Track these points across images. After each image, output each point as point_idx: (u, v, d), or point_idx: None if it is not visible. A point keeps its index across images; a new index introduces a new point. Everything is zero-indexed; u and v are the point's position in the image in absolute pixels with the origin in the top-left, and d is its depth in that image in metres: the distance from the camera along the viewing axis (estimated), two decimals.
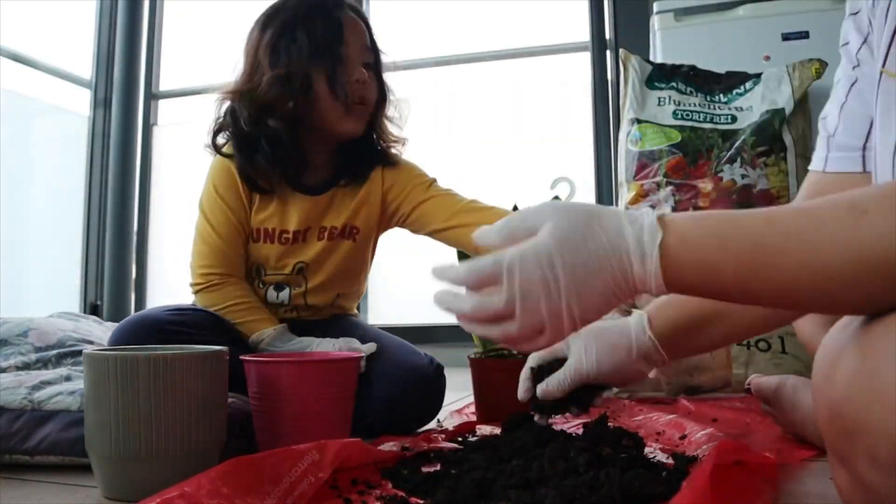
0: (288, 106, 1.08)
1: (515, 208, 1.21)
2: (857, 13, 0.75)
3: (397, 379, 1.03)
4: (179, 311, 1.06)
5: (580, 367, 0.75)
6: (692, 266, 0.50)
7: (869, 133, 0.75)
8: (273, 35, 1.10)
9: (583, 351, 0.75)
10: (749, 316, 0.75)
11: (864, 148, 0.76)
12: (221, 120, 1.16)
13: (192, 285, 1.17)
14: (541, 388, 0.77)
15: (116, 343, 0.97)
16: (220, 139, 1.18)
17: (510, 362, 1.06)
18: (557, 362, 0.80)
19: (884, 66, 0.63)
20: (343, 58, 1.09)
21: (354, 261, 1.25)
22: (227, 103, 1.16)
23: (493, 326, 0.55)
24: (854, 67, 0.75)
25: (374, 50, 1.17)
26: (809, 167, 0.84)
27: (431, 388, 1.08)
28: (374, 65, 1.17)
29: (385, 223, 1.27)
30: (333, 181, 1.20)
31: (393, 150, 1.26)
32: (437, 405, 1.11)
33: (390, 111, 1.24)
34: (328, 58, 1.08)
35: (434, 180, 1.27)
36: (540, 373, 0.81)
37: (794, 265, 0.47)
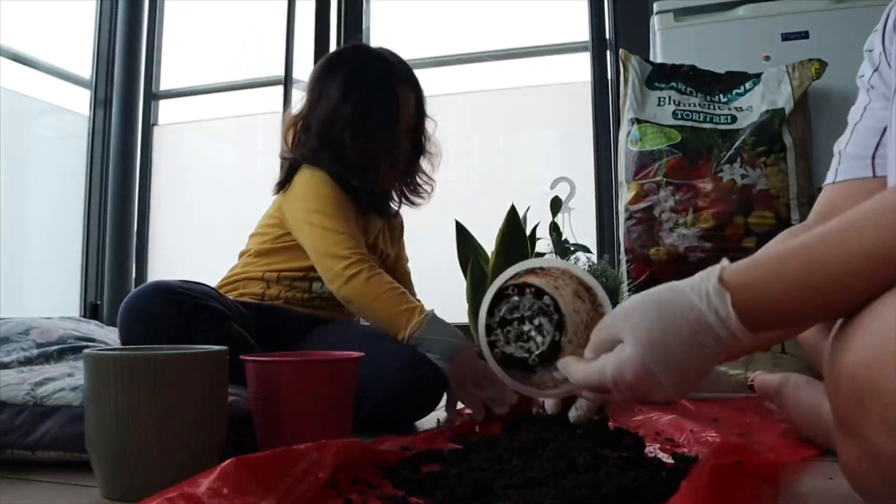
0: (360, 170, 1.27)
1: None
2: (872, 50, 0.81)
3: (396, 367, 1.07)
4: (188, 281, 1.10)
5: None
6: (763, 304, 0.54)
7: (879, 142, 0.78)
8: (354, 110, 1.26)
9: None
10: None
11: (874, 157, 0.79)
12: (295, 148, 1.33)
13: (340, 275, 1.15)
14: (573, 415, 0.74)
15: (130, 308, 0.99)
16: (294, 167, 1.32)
17: None
18: None
19: None
20: (400, 134, 1.31)
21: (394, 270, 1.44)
22: (294, 136, 1.33)
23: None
24: (867, 91, 0.81)
25: (419, 111, 1.35)
26: (823, 184, 0.88)
27: (429, 377, 1.10)
28: (418, 122, 1.36)
29: None
30: (380, 208, 1.38)
31: (417, 198, 1.45)
32: (437, 396, 1.13)
33: (424, 165, 1.43)
34: (394, 136, 1.29)
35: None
36: None
37: (841, 260, 0.50)
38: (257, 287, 1.30)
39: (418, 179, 1.43)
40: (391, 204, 1.43)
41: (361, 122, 1.25)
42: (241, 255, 1.39)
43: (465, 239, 1.18)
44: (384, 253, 1.38)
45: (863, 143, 0.80)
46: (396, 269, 1.46)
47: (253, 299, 1.27)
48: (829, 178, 0.86)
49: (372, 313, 1.14)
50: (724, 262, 0.57)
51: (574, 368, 0.65)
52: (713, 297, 0.54)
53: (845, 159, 0.82)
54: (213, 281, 1.31)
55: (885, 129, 0.77)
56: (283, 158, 1.34)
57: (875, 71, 0.79)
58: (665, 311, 0.55)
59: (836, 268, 0.50)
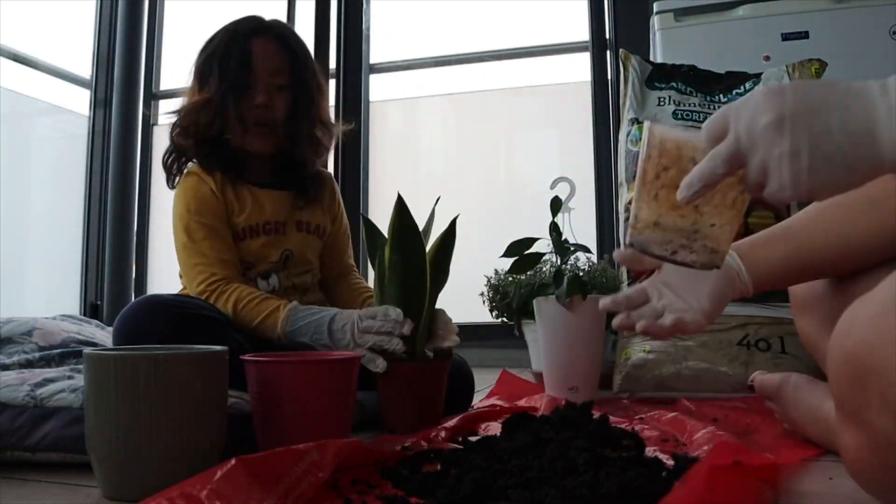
0: (203, 127, 1.20)
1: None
2: None
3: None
4: (181, 295, 1.12)
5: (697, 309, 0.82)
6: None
7: None
8: (202, 61, 1.23)
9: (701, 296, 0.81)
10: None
11: None
12: (175, 137, 1.25)
13: (198, 292, 1.15)
14: (640, 324, 0.83)
15: (123, 323, 0.98)
16: (172, 162, 1.27)
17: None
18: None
19: None
20: (248, 84, 1.20)
21: (329, 256, 1.36)
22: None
23: (732, 170, 0.55)
24: None
25: (296, 71, 1.24)
26: None
27: (468, 380, 1.23)
28: (294, 85, 1.24)
29: None
30: (288, 182, 1.28)
31: (318, 166, 1.34)
32: (471, 397, 1.24)
33: (319, 132, 1.29)
34: (235, 85, 1.19)
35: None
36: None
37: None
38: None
39: (313, 134, 1.28)
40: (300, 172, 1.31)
41: (206, 76, 1.21)
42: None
43: (372, 233, 1.11)
44: (306, 224, 1.29)
45: None
46: (337, 239, 1.37)
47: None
48: None
49: (243, 326, 1.11)
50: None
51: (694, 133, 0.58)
52: (893, 94, 0.47)
53: None
54: None
55: None
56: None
57: None
58: (832, 94, 0.49)
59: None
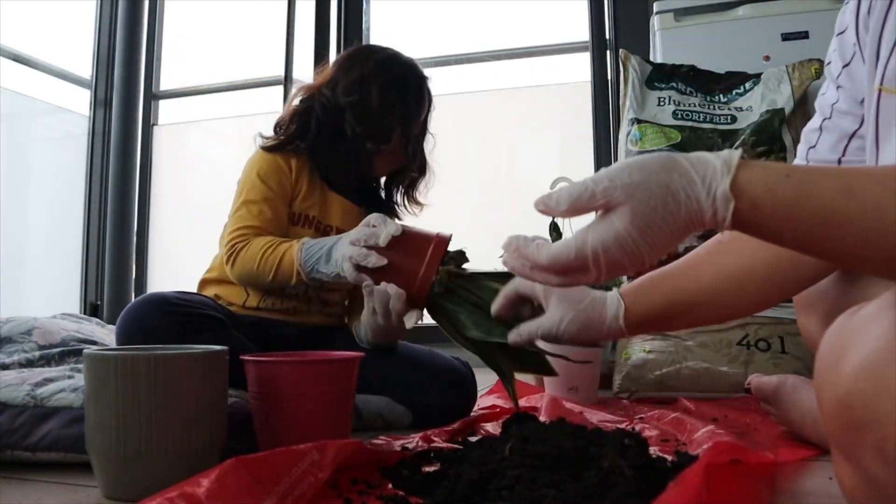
0: (363, 131, 1.24)
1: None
2: (843, 32, 0.80)
3: (446, 385, 1.18)
4: (184, 292, 1.11)
5: (552, 329, 0.79)
6: (760, 230, 0.54)
7: (846, 148, 0.80)
8: (387, 82, 1.26)
9: (559, 319, 0.78)
10: (724, 309, 0.79)
11: (840, 162, 0.80)
12: (299, 108, 1.28)
13: (226, 265, 1.15)
14: (512, 335, 0.80)
15: (126, 321, 0.98)
16: (276, 133, 1.29)
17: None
18: (527, 307, 0.84)
19: (882, 83, 0.64)
20: (417, 127, 1.31)
21: None
22: (307, 96, 1.29)
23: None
24: (837, 88, 0.81)
25: (426, 124, 1.37)
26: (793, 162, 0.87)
27: (472, 386, 1.22)
28: (422, 131, 1.36)
29: None
30: (361, 199, 1.33)
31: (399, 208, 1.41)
32: (474, 399, 1.23)
33: (424, 181, 1.42)
34: (413, 123, 1.29)
35: None
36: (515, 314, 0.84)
37: (860, 236, 0.50)
38: (236, 296, 1.22)
39: (407, 194, 1.40)
40: (381, 199, 1.40)
41: (394, 92, 1.25)
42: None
43: None
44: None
45: (831, 146, 0.82)
46: None
47: (235, 309, 1.20)
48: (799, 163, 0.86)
49: (265, 278, 1.10)
50: (741, 153, 0.55)
51: (535, 250, 0.64)
52: (720, 201, 0.54)
53: (813, 161, 0.83)
54: None
55: (851, 135, 0.79)
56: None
57: (845, 67, 0.79)
58: (669, 200, 0.55)
59: (851, 239, 0.50)
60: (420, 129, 1.34)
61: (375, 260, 0.95)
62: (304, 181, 1.24)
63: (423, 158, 1.39)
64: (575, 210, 0.59)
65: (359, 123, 1.23)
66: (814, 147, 0.83)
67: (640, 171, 0.56)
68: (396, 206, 1.39)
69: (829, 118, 0.82)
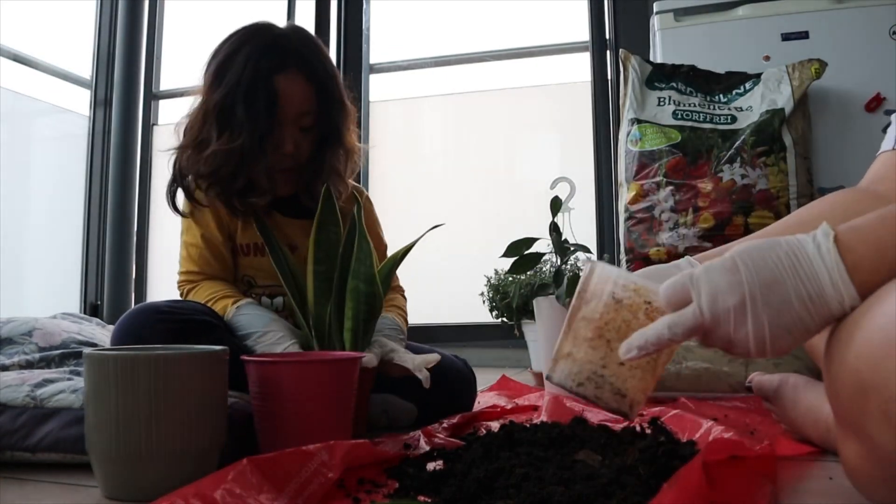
0: (227, 176, 1.11)
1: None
2: None
3: (448, 382, 1.15)
4: (176, 300, 1.10)
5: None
6: (865, 245, 0.51)
7: None
8: (221, 100, 1.10)
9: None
10: None
11: None
12: (178, 171, 1.16)
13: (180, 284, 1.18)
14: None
15: (120, 331, 0.98)
16: (179, 196, 1.18)
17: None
18: None
19: None
20: (275, 130, 1.11)
21: None
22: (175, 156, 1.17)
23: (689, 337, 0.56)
24: None
25: (322, 109, 1.15)
26: (879, 152, 0.86)
27: (472, 385, 1.23)
28: (320, 124, 1.16)
29: None
30: (307, 212, 1.19)
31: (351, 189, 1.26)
32: (475, 396, 1.24)
33: (341, 160, 1.22)
34: (262, 133, 1.09)
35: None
36: None
37: None
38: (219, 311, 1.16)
39: (334, 166, 1.20)
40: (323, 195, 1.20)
41: (228, 118, 1.09)
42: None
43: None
44: None
45: None
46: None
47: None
48: (888, 144, 0.84)
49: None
50: (827, 226, 0.53)
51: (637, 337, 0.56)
52: (818, 234, 0.51)
53: None
54: None
55: None
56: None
57: None
58: (772, 242, 0.53)
59: None
60: (294, 118, 1.13)
61: None
62: (240, 218, 1.16)
63: (335, 135, 1.19)
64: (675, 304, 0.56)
65: (231, 150, 1.08)
66: None
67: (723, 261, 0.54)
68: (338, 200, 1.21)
69: None
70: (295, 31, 1.18)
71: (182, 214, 1.19)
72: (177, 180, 1.16)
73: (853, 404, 0.48)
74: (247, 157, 1.08)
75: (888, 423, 0.45)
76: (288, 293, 1.10)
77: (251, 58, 1.10)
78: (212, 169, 1.10)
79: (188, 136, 1.14)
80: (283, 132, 1.12)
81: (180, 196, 1.19)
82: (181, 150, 1.15)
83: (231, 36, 1.17)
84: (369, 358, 1.00)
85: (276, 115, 1.10)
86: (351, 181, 1.28)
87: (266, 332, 1.03)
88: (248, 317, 1.06)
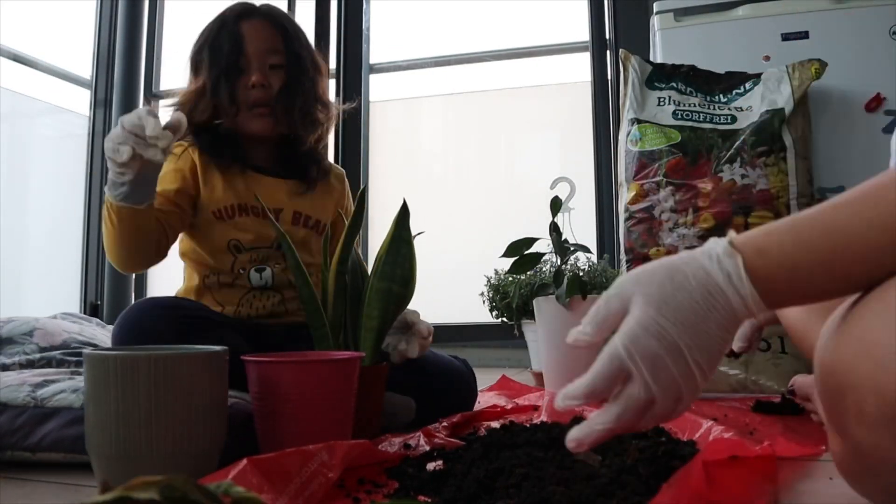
0: (199, 114, 1.19)
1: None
2: None
3: (448, 382, 1.18)
4: (178, 298, 1.12)
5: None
6: (778, 270, 0.51)
7: None
8: (193, 53, 1.23)
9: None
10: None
11: None
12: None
13: None
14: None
15: (122, 324, 0.98)
16: None
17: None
18: None
19: None
20: (241, 67, 1.20)
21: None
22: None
23: (640, 420, 0.54)
24: None
25: (289, 49, 1.22)
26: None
27: (472, 386, 1.24)
28: (289, 63, 1.22)
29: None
30: (289, 173, 1.26)
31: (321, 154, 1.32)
32: (475, 396, 1.25)
33: (315, 109, 1.25)
34: (226, 69, 1.19)
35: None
36: None
37: (864, 229, 0.49)
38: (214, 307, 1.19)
39: (308, 111, 1.24)
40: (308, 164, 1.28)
41: (198, 63, 1.21)
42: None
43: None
44: (305, 217, 1.26)
45: None
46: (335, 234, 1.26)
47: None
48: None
49: (112, 238, 1.06)
50: (731, 232, 0.55)
51: (572, 388, 0.54)
52: (724, 259, 0.52)
53: None
54: None
55: None
56: None
57: None
58: (675, 274, 0.53)
59: (852, 234, 0.49)
60: (259, 63, 1.19)
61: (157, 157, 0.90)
62: (214, 174, 1.20)
63: (306, 77, 1.24)
64: (600, 326, 0.55)
65: (205, 106, 1.18)
66: None
67: (644, 268, 0.55)
68: (315, 163, 1.29)
69: None
70: (267, 4, 1.28)
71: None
72: None
73: (833, 403, 0.51)
74: (212, 89, 1.17)
75: (863, 421, 0.46)
76: (291, 266, 1.07)
77: (219, 15, 1.23)
78: (185, 111, 1.16)
79: (176, 106, 1.21)
80: (248, 67, 1.19)
81: None
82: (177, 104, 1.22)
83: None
84: (413, 349, 1.08)
85: (242, 52, 1.19)
86: (334, 164, 1.35)
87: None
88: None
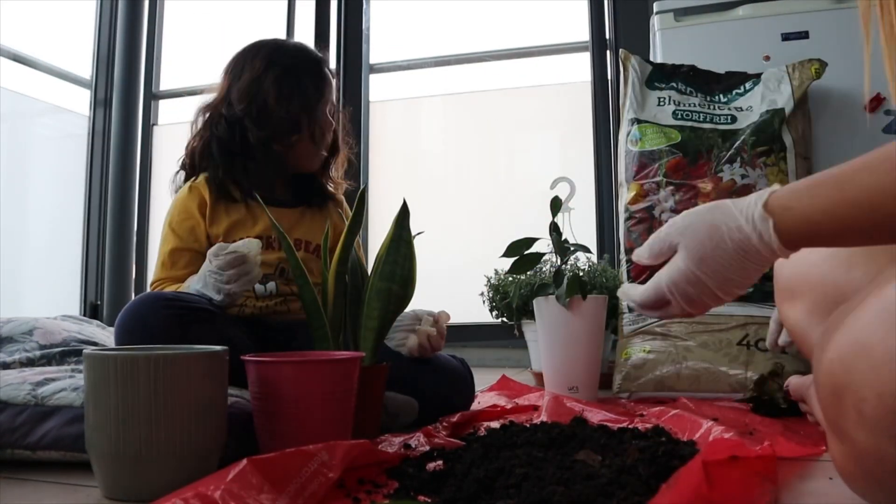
0: (267, 135, 1.26)
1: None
2: None
3: (447, 381, 1.19)
4: (180, 291, 1.13)
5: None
6: (801, 225, 0.60)
7: None
8: (279, 75, 1.26)
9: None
10: None
11: None
12: (202, 132, 1.30)
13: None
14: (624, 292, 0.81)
15: (125, 318, 0.99)
16: (183, 169, 1.32)
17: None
18: None
19: None
20: (324, 110, 1.31)
21: None
22: (206, 117, 1.31)
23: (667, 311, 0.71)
24: None
25: (337, 103, 1.37)
26: None
27: (470, 384, 1.25)
28: (330, 114, 1.34)
29: None
30: (296, 201, 1.34)
31: (337, 192, 1.43)
32: (472, 394, 1.27)
33: (340, 160, 1.41)
34: (317, 108, 1.28)
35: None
36: None
37: (878, 182, 0.54)
38: None
39: (331, 174, 1.40)
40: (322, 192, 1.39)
41: (287, 83, 1.26)
42: None
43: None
44: (305, 243, 1.33)
45: None
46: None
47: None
48: None
49: None
50: (776, 186, 0.62)
51: (633, 292, 0.74)
52: (758, 222, 0.61)
53: None
54: None
55: None
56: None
57: None
58: (714, 233, 0.64)
59: (866, 190, 0.54)
60: (329, 111, 1.32)
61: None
62: (221, 211, 1.25)
63: (336, 138, 1.38)
64: (655, 256, 0.70)
65: (260, 128, 1.24)
66: None
67: (690, 214, 0.67)
68: (322, 192, 1.39)
69: None
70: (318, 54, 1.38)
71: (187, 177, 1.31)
72: (185, 166, 1.32)
73: (831, 405, 0.51)
74: (295, 122, 1.25)
75: (862, 423, 0.47)
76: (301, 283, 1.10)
77: (301, 49, 1.32)
78: (266, 133, 1.24)
79: (241, 97, 1.25)
80: (325, 116, 1.30)
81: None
82: (227, 115, 1.27)
83: (262, 41, 1.33)
84: (413, 342, 1.12)
85: (325, 97, 1.29)
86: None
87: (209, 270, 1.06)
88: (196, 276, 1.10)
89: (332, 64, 2.71)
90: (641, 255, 0.73)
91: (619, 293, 0.78)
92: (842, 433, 0.50)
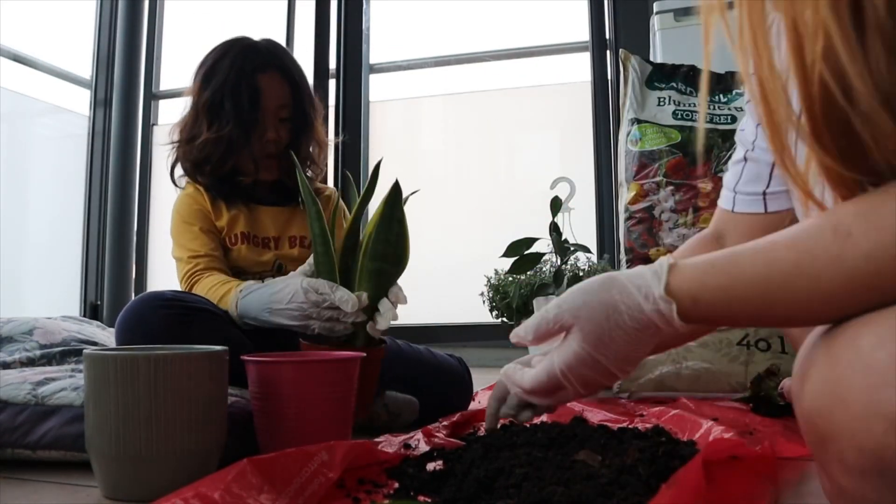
0: (217, 161, 1.27)
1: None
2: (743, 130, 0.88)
3: (446, 380, 1.20)
4: (180, 291, 1.14)
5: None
6: (707, 320, 0.58)
7: (769, 179, 0.85)
8: (210, 97, 1.27)
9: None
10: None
11: (765, 193, 0.85)
12: (173, 159, 1.33)
13: (183, 283, 1.23)
14: (525, 417, 0.77)
15: (126, 317, 1.00)
16: (177, 171, 1.34)
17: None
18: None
19: None
20: (259, 121, 1.28)
21: None
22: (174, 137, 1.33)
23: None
24: (757, 126, 0.85)
25: (297, 103, 1.32)
26: (719, 203, 0.92)
27: (469, 383, 1.25)
28: (295, 116, 1.32)
29: None
30: (288, 200, 1.35)
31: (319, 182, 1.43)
32: (471, 393, 1.27)
33: (315, 149, 1.38)
34: (247, 123, 1.27)
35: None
36: None
37: (797, 299, 0.51)
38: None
39: (309, 154, 1.38)
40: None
41: (217, 112, 1.26)
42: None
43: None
44: (300, 239, 1.34)
45: (754, 181, 0.86)
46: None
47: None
48: (727, 204, 0.91)
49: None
50: (669, 259, 0.58)
51: (520, 377, 0.66)
52: (660, 302, 0.57)
53: (740, 194, 0.89)
54: None
55: (773, 166, 0.84)
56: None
57: (758, 126, 0.84)
58: (612, 313, 0.59)
59: (791, 307, 0.51)
60: (276, 112, 1.29)
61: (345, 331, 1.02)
62: (222, 209, 1.28)
63: (309, 126, 1.35)
64: (540, 338, 0.64)
65: (225, 155, 1.26)
66: (739, 180, 0.89)
67: (581, 292, 0.61)
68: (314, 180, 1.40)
69: (752, 150, 0.87)
70: (270, 42, 1.36)
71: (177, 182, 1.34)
72: (177, 172, 1.34)
73: (816, 450, 0.50)
74: (234, 143, 1.26)
75: (846, 469, 0.46)
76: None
77: (235, 62, 1.28)
78: (204, 156, 1.27)
79: (183, 132, 1.31)
80: (265, 122, 1.29)
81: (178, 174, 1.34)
82: (177, 144, 1.31)
83: (215, 48, 1.33)
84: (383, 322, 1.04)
85: (260, 107, 1.27)
86: (327, 186, 1.45)
87: (277, 289, 1.05)
88: (255, 293, 1.09)
89: (332, 64, 2.71)
90: (524, 335, 0.65)
91: (503, 376, 0.69)
92: (828, 475, 0.50)
